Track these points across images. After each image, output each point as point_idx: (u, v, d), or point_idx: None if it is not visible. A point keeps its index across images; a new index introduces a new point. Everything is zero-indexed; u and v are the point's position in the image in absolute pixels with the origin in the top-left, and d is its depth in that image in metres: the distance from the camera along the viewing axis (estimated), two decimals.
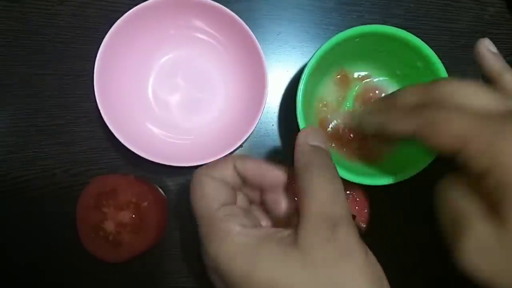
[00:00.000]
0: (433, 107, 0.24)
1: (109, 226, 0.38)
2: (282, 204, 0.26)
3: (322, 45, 0.34)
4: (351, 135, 0.38)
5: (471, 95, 0.24)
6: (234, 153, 0.38)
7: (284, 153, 0.41)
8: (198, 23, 0.39)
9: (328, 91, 0.39)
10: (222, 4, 0.36)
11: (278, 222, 0.26)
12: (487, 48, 0.31)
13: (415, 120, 0.24)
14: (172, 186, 0.40)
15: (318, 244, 0.20)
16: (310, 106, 0.38)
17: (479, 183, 0.21)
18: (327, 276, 0.19)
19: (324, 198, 0.21)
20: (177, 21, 0.38)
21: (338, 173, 0.23)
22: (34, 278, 0.40)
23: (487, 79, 0.29)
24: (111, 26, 0.35)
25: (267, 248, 0.21)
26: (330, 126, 0.38)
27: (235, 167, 0.25)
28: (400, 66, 0.37)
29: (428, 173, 0.33)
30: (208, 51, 0.40)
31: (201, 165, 0.38)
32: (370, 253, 0.22)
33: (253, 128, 0.35)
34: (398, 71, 0.38)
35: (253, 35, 0.36)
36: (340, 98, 0.39)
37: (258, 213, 0.27)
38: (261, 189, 0.26)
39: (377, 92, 0.39)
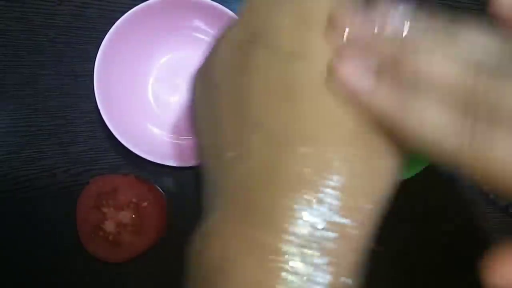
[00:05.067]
0: None
1: (109, 226, 0.38)
2: None
3: None
4: None
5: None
6: None
7: None
8: (198, 23, 0.39)
9: None
10: (222, 4, 0.36)
11: None
12: None
13: None
14: (172, 186, 0.40)
15: None
16: None
17: None
18: None
19: None
20: (177, 21, 0.38)
21: None
22: (34, 278, 0.39)
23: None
24: (111, 26, 0.35)
25: None
26: None
27: None
28: None
29: (424, 173, 0.33)
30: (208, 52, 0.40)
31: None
32: None
33: None
34: None
35: None
36: None
37: None
38: None
39: None
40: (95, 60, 0.35)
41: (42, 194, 0.40)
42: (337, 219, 0.15)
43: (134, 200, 0.38)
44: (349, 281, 0.16)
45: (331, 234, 0.15)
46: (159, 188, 0.40)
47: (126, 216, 0.38)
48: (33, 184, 0.40)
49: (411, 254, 0.41)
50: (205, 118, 0.20)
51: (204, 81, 0.20)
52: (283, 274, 0.15)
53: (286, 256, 0.15)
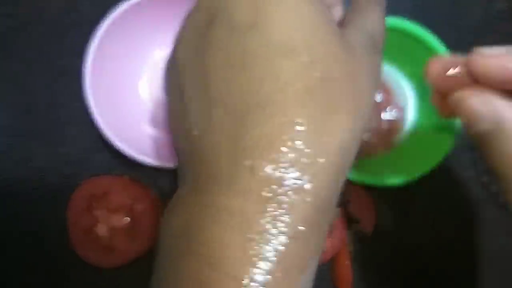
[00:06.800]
0: None
1: (102, 229, 0.37)
2: None
3: None
4: None
5: None
6: None
7: None
8: None
9: None
10: None
11: None
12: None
13: None
14: (168, 188, 0.39)
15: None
16: None
17: None
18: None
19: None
20: (171, 17, 0.37)
21: None
22: (25, 283, 0.38)
23: None
24: (103, 22, 0.34)
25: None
26: None
27: None
28: (408, 61, 0.37)
29: (437, 173, 0.33)
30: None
31: None
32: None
33: None
34: (407, 67, 0.38)
35: None
36: None
37: None
38: None
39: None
40: (86, 57, 0.34)
41: (32, 196, 0.39)
42: (296, 174, 0.16)
43: (128, 202, 0.37)
44: (302, 228, 0.17)
45: (289, 190, 0.16)
46: (154, 190, 0.39)
47: (119, 219, 0.37)
48: (22, 185, 0.39)
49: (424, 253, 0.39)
50: (173, 104, 0.21)
51: (171, 69, 0.21)
52: (243, 230, 0.16)
53: (246, 214, 0.16)
